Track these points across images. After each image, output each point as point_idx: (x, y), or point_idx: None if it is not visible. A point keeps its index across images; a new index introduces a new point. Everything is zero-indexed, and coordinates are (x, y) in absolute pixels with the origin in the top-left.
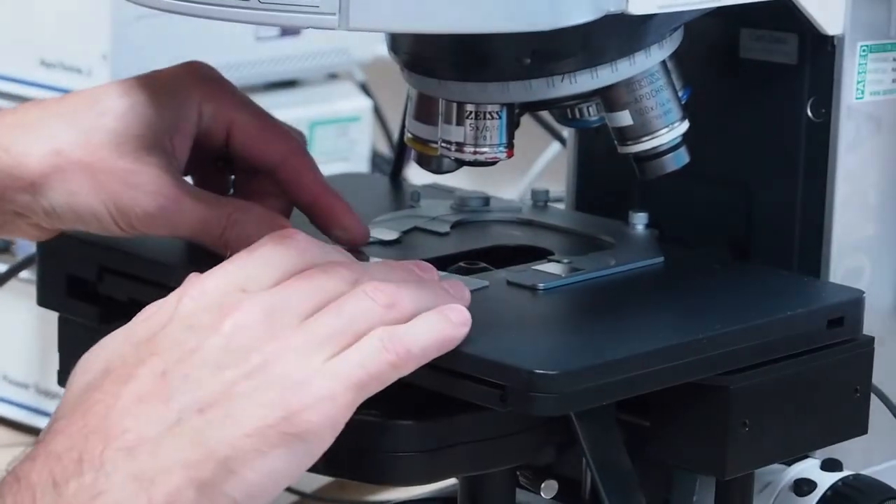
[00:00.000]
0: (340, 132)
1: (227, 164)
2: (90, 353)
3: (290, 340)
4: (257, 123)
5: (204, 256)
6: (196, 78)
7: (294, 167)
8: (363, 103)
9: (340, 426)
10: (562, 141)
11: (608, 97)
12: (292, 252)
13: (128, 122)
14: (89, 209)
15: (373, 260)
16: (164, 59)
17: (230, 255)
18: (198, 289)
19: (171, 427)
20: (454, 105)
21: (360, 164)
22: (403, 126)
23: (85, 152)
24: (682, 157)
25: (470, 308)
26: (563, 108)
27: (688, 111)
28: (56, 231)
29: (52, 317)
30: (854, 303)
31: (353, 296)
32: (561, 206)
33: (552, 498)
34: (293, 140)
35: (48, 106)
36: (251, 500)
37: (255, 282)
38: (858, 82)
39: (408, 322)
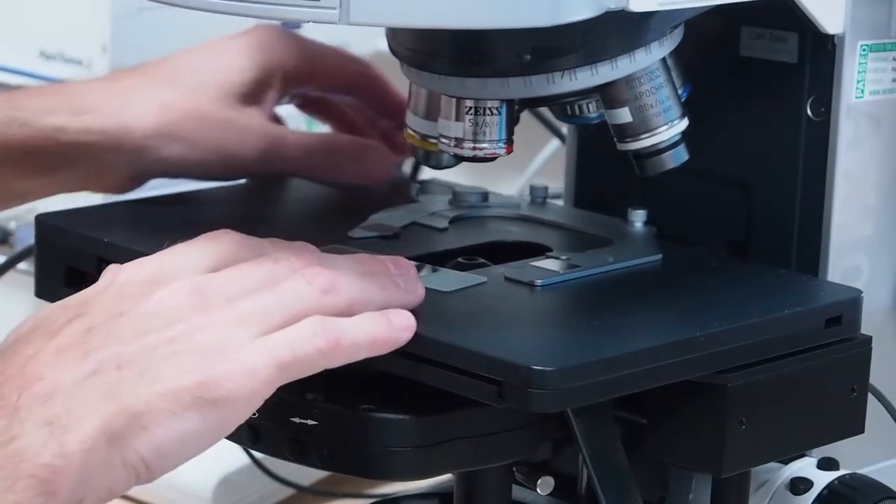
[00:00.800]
0: None
1: (303, 106)
2: (26, 319)
3: (218, 314)
4: (335, 63)
5: None
6: (272, 39)
7: (375, 86)
8: None
9: (257, 402)
10: (561, 137)
11: (608, 94)
12: (238, 242)
13: (225, 79)
14: (199, 157)
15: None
16: (163, 52)
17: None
18: (136, 265)
19: (87, 377)
20: (453, 100)
21: None
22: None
23: (191, 106)
24: (681, 155)
25: (468, 303)
26: (562, 105)
27: (687, 109)
28: (138, 185)
29: None
30: (852, 302)
31: (289, 278)
32: (560, 202)
33: (548, 494)
34: (367, 66)
35: (148, 71)
36: (160, 459)
37: (194, 265)
38: (858, 81)
39: (346, 311)
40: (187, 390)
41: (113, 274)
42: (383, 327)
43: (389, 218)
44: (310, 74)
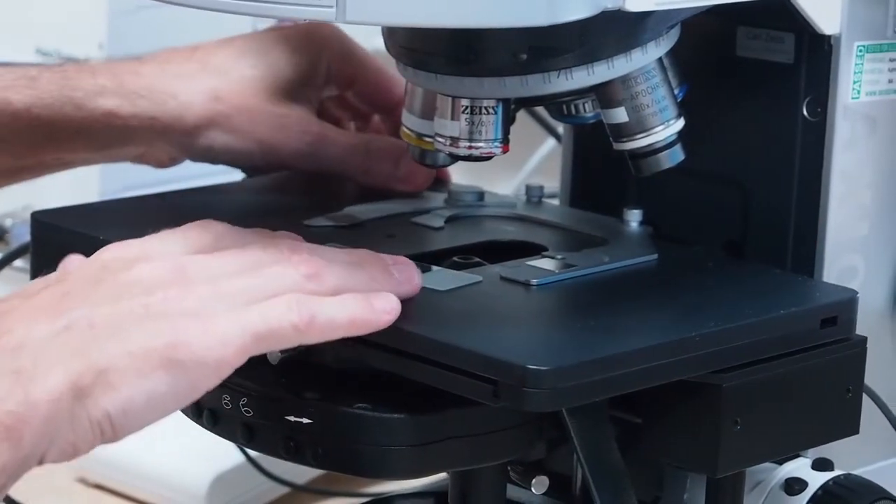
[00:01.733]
0: None
1: (346, 112)
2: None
3: (197, 288)
4: (376, 76)
5: None
6: (322, 38)
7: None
8: None
9: (227, 370)
10: (557, 137)
11: (604, 94)
12: (224, 232)
13: (275, 74)
14: (244, 148)
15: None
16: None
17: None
18: (121, 245)
19: (57, 334)
20: (450, 99)
21: None
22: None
23: (241, 99)
24: (677, 155)
25: (464, 302)
26: (558, 104)
27: (684, 109)
28: (180, 163)
29: None
30: (847, 303)
31: (274, 262)
32: (555, 202)
33: (543, 494)
34: (399, 88)
35: (202, 58)
36: (125, 418)
37: (179, 249)
38: (855, 82)
39: (330, 296)
40: (156, 351)
41: (97, 253)
42: (362, 308)
43: (363, 211)
44: (351, 78)
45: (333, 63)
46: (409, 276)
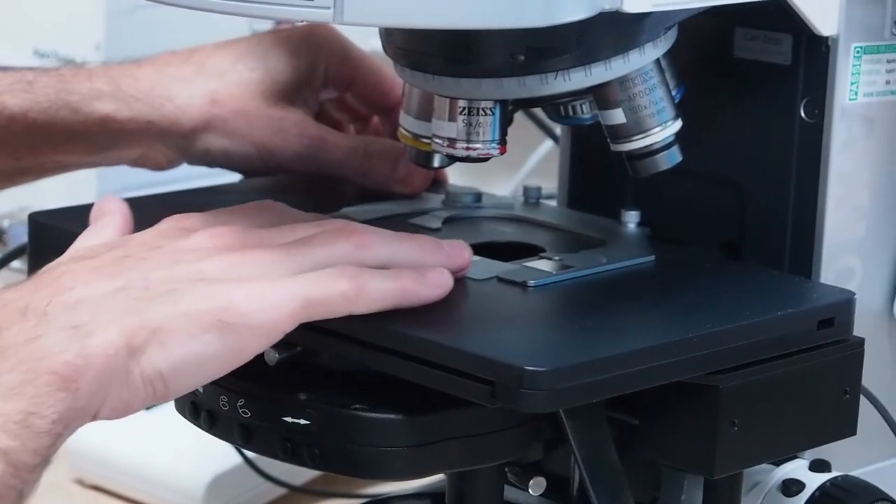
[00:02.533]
0: None
1: (346, 112)
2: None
3: (252, 253)
4: (374, 78)
5: None
6: (321, 40)
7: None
8: None
9: (277, 334)
10: (554, 138)
11: (601, 95)
12: (283, 212)
13: (272, 76)
14: (241, 151)
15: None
16: (157, 51)
17: (368, 184)
18: (181, 217)
19: (115, 293)
20: (447, 101)
21: None
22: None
23: (239, 102)
24: (674, 156)
25: (460, 304)
26: (556, 106)
27: (681, 110)
28: (176, 166)
29: None
30: (845, 304)
31: (326, 232)
32: (553, 203)
33: (540, 495)
34: (398, 91)
35: (199, 61)
36: (176, 378)
37: (236, 222)
38: (852, 83)
39: (381, 266)
40: (209, 312)
41: (158, 224)
42: (413, 280)
43: (362, 212)
44: (350, 80)
45: (332, 65)
46: (460, 252)
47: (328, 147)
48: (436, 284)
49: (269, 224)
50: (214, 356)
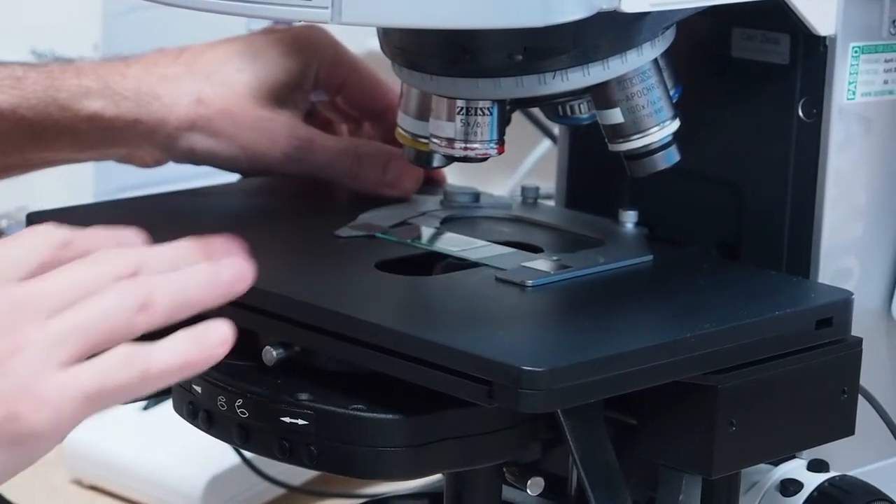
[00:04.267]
0: None
1: (338, 115)
2: None
3: (31, 335)
4: (365, 82)
5: None
6: (313, 42)
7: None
8: None
9: (64, 433)
10: (552, 138)
11: (599, 95)
12: (56, 241)
13: (262, 77)
14: (227, 152)
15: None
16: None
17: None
18: None
19: None
20: (445, 100)
21: None
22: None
23: (226, 103)
24: (672, 156)
25: (459, 303)
26: (554, 105)
27: (679, 110)
28: (164, 163)
29: None
30: (843, 304)
31: (105, 293)
32: (551, 203)
33: (538, 495)
34: (391, 95)
35: (188, 60)
36: None
37: (11, 270)
38: (850, 83)
39: (164, 324)
40: None
41: None
42: (195, 349)
43: (378, 217)
44: (341, 83)
45: (323, 67)
46: (241, 272)
47: (316, 149)
48: (216, 344)
49: (44, 261)
50: (4, 467)
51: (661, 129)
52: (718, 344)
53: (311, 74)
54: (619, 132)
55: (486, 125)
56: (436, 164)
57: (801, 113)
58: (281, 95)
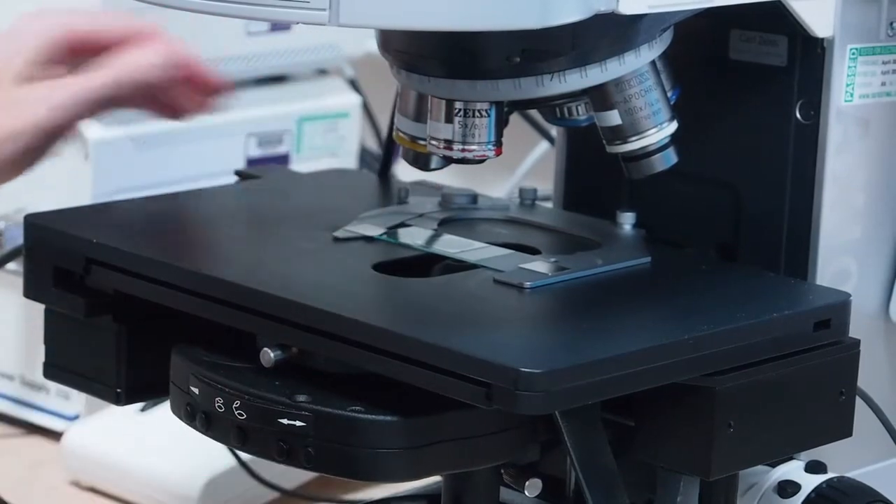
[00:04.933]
0: (329, 128)
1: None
2: None
3: None
4: (86, 22)
5: (187, 251)
6: (29, 21)
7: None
8: (352, 99)
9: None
10: (550, 140)
11: (597, 96)
12: None
13: (15, 63)
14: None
15: None
16: None
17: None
18: None
19: None
20: (443, 102)
21: (348, 160)
22: (392, 123)
23: None
24: (670, 158)
25: (457, 305)
26: (552, 107)
27: (677, 112)
28: None
29: (39, 309)
30: (841, 305)
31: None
32: (549, 204)
33: (536, 496)
34: (131, 21)
35: None
36: None
37: None
38: (848, 85)
39: None
40: None
41: None
42: None
43: (376, 219)
44: (65, 44)
45: (43, 37)
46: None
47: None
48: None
49: None
50: None
51: (659, 131)
52: (716, 346)
53: (40, 49)
54: (616, 134)
55: (483, 127)
56: (434, 165)
57: (798, 115)
58: (33, 75)
